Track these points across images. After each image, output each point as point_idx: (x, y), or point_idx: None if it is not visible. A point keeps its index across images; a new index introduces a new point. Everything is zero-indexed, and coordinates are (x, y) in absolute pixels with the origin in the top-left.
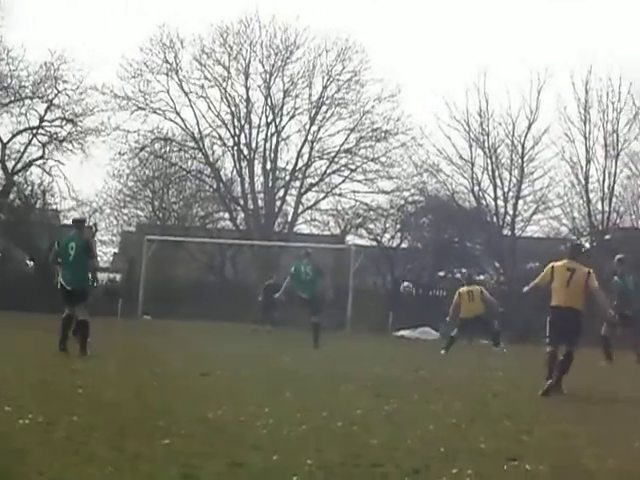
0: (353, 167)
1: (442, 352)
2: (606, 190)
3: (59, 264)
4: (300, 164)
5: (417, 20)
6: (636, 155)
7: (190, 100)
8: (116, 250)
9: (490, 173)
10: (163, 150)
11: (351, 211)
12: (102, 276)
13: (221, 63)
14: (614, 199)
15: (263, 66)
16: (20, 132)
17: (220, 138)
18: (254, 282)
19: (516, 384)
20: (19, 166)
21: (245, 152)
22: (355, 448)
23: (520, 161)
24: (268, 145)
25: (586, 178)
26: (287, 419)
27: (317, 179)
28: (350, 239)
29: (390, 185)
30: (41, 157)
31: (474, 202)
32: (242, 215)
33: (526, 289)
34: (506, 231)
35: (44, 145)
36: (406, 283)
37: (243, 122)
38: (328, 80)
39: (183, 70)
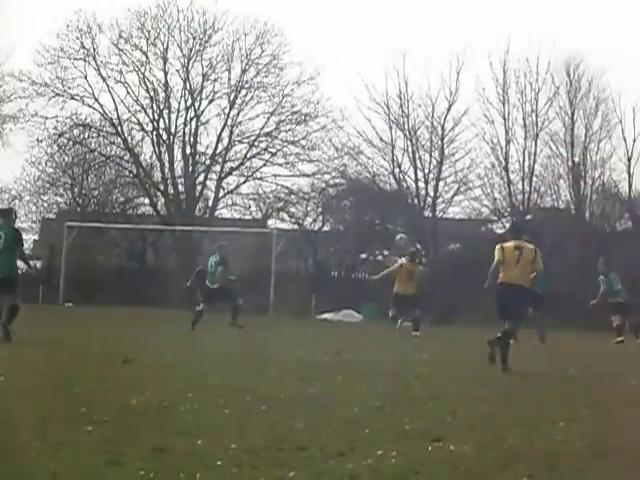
0: (273, 151)
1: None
2: (526, 170)
3: None
4: (220, 148)
5: (335, 2)
6: (556, 134)
7: (108, 85)
8: (36, 237)
9: (410, 155)
10: (82, 136)
11: (272, 195)
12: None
13: (139, 48)
14: (534, 179)
15: (181, 50)
16: None
17: (139, 123)
18: (176, 267)
19: (440, 366)
20: None
21: (164, 137)
22: (279, 432)
23: (440, 143)
24: (187, 129)
25: (506, 159)
26: (211, 404)
27: (237, 163)
28: (272, 223)
29: (311, 168)
30: None
31: (395, 184)
32: (162, 200)
33: (491, 273)
34: (427, 213)
35: None
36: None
37: (162, 107)
38: (247, 64)
39: (101, 55)
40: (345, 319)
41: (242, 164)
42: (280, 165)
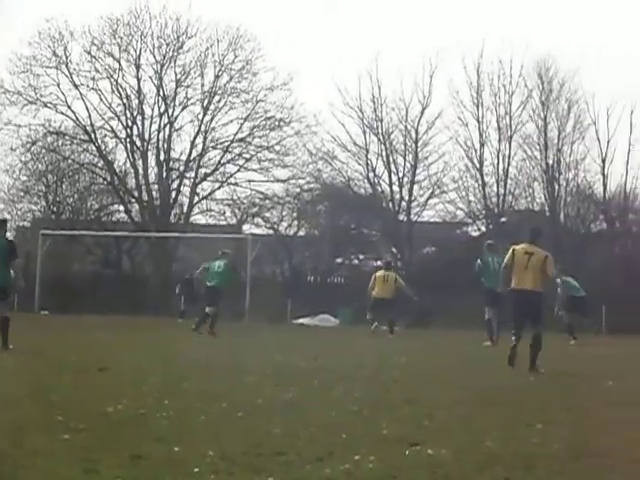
0: (248, 156)
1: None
2: (501, 173)
3: None
4: (194, 154)
5: (307, 8)
6: (529, 137)
7: (81, 93)
8: None
9: (385, 159)
10: (55, 144)
11: (247, 200)
12: None
13: (111, 55)
14: (509, 181)
15: (154, 57)
16: None
17: (112, 130)
18: (151, 274)
19: (417, 369)
20: None
21: (138, 143)
22: (257, 437)
23: (414, 146)
24: (161, 136)
25: (480, 161)
26: (187, 410)
27: (212, 169)
28: (247, 228)
29: (285, 173)
30: None
31: (369, 188)
32: (137, 207)
33: (502, 278)
34: (402, 216)
35: None
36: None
37: (135, 113)
38: (220, 70)
39: (73, 63)
40: (321, 324)
41: (216, 170)
42: (254, 170)
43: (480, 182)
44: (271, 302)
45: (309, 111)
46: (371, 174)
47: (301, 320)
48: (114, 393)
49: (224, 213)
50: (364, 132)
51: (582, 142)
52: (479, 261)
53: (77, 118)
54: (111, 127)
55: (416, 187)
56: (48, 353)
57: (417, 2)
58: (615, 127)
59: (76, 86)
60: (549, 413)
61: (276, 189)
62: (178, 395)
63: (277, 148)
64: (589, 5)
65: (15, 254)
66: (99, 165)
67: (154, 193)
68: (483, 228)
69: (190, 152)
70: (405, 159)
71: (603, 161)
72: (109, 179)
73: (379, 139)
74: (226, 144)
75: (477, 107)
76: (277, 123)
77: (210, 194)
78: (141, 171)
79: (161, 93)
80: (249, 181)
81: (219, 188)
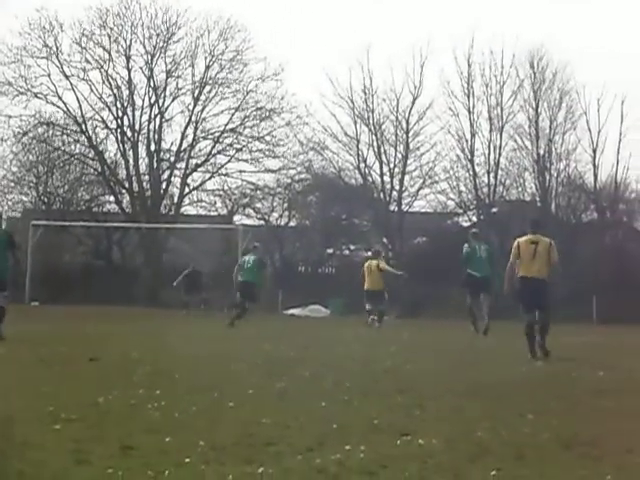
0: (238, 147)
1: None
2: (492, 163)
3: None
4: (185, 145)
5: None
6: (520, 127)
7: (72, 83)
8: None
9: (376, 149)
10: (46, 134)
11: (238, 191)
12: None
13: (102, 45)
14: (500, 172)
15: (145, 47)
16: None
17: (103, 121)
18: (142, 265)
19: (408, 359)
20: None
21: (129, 134)
22: (247, 428)
23: (405, 136)
24: (152, 126)
25: (471, 152)
26: (178, 401)
27: (202, 159)
28: (238, 219)
29: (276, 164)
30: None
31: (360, 179)
32: (128, 198)
33: (507, 275)
34: (393, 207)
35: None
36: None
37: (126, 104)
38: (211, 60)
39: (64, 53)
40: (312, 314)
41: (207, 160)
42: (245, 161)
43: (471, 172)
44: (262, 293)
45: (300, 102)
46: (362, 164)
47: (292, 311)
48: (105, 384)
49: (215, 204)
50: (355, 122)
51: (573, 132)
52: (467, 246)
53: (68, 109)
54: (102, 118)
55: (407, 177)
56: (38, 344)
57: None
58: (606, 117)
59: (67, 77)
60: (540, 403)
61: (267, 179)
62: (169, 385)
63: (268, 139)
64: None
65: (14, 246)
66: (90, 156)
67: (145, 184)
68: (474, 218)
69: (181, 143)
70: (396, 149)
71: (594, 151)
72: (100, 170)
73: (370, 129)
74: (217, 135)
75: (468, 97)
76: (268, 113)
77: (201, 185)
78: (132, 162)
79: (152, 84)
80: (240, 172)
81: (210, 179)
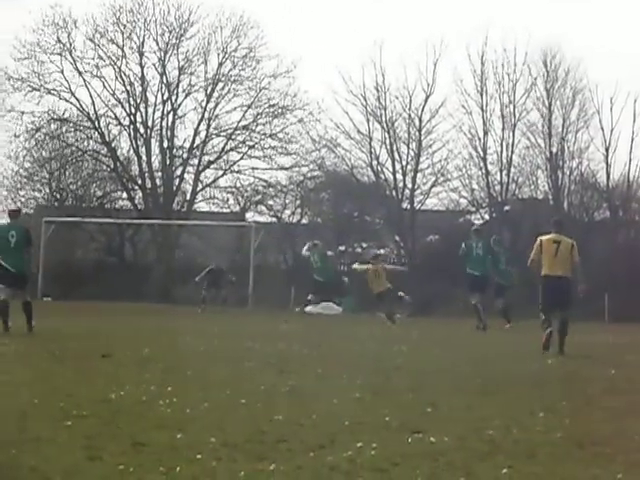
0: (251, 144)
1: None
2: (504, 161)
3: None
4: (197, 142)
5: None
6: (533, 125)
7: (85, 80)
8: None
9: (388, 147)
10: (59, 131)
11: (250, 188)
12: None
13: (115, 42)
14: (512, 170)
15: (157, 44)
16: None
17: (116, 117)
18: (154, 261)
19: (419, 357)
20: None
21: (141, 131)
22: (259, 425)
23: (418, 134)
24: (164, 123)
25: (484, 150)
26: (190, 397)
27: (215, 156)
28: (250, 216)
29: (289, 161)
30: None
31: (373, 176)
32: (140, 194)
33: (531, 266)
34: (405, 204)
35: None
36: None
37: (139, 101)
38: (224, 57)
39: (77, 50)
40: (325, 312)
41: (219, 157)
42: (258, 158)
43: (484, 170)
44: (275, 290)
45: (312, 99)
46: (374, 162)
47: (306, 308)
48: (117, 380)
49: (227, 201)
50: (367, 120)
51: (586, 130)
52: (463, 245)
53: (81, 105)
54: (114, 114)
55: (419, 175)
56: (50, 339)
57: None
58: (619, 116)
59: (80, 73)
60: (551, 401)
61: (279, 177)
62: (181, 382)
63: (280, 136)
64: None
65: (31, 242)
66: (102, 152)
67: (157, 180)
68: (487, 216)
69: (193, 139)
70: (409, 147)
71: (607, 150)
72: (112, 166)
73: (383, 127)
74: (229, 132)
75: (481, 95)
76: (280, 111)
77: (213, 182)
78: (144, 158)
79: (164, 80)
80: (252, 169)
81: (222, 176)
